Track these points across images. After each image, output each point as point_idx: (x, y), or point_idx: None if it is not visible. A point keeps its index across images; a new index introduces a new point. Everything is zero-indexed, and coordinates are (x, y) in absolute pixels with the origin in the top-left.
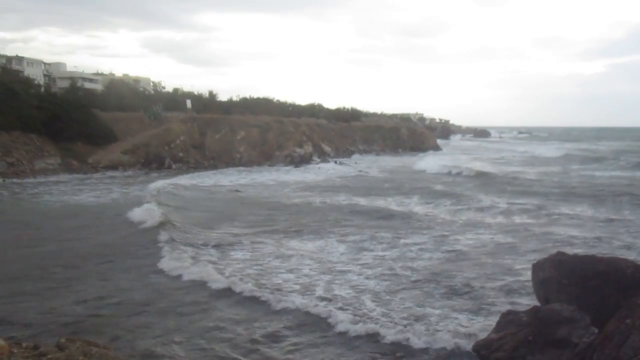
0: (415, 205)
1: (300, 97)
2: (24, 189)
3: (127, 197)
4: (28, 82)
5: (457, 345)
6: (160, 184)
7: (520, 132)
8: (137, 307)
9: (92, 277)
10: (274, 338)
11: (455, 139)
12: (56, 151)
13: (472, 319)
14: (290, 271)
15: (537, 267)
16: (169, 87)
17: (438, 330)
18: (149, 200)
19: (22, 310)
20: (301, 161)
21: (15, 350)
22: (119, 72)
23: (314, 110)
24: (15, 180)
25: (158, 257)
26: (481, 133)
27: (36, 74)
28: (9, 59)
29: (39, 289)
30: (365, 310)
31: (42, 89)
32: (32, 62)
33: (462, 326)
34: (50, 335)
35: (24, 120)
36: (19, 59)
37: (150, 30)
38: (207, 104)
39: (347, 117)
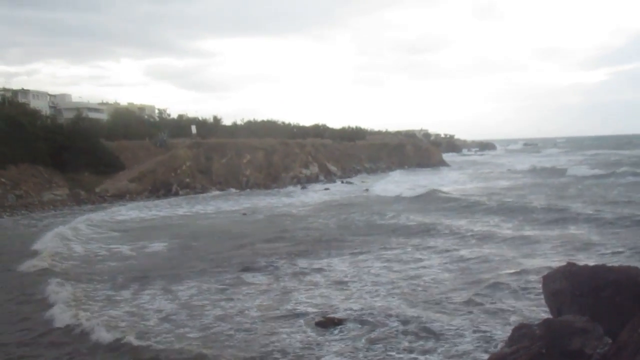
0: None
1: (305, 118)
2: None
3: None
4: (34, 114)
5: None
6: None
7: (526, 144)
8: None
9: None
10: None
11: (457, 155)
12: (64, 182)
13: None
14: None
15: (548, 279)
16: (173, 113)
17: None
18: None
19: None
20: (308, 182)
21: None
22: (123, 101)
23: (319, 131)
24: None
25: None
26: (487, 146)
27: (42, 106)
28: (15, 92)
29: None
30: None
31: (49, 121)
32: (38, 95)
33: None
34: None
35: (32, 152)
36: (25, 92)
37: (152, 58)
38: (212, 129)
39: (352, 136)
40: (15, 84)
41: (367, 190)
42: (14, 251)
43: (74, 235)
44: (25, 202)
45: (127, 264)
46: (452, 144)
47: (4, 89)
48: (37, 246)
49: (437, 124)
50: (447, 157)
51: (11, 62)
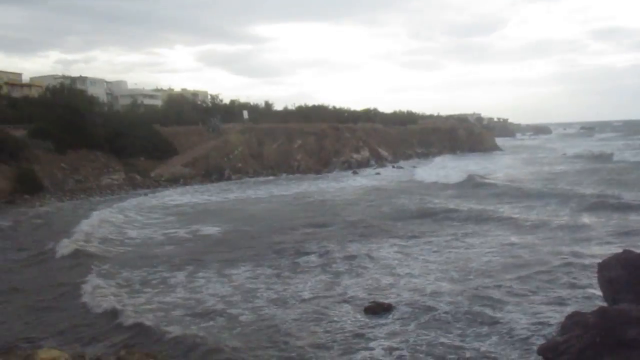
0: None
1: (356, 102)
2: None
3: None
4: (92, 101)
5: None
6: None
7: (582, 127)
8: None
9: None
10: None
11: (513, 138)
12: (120, 167)
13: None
14: None
15: (603, 267)
16: (225, 98)
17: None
18: None
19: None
20: (358, 166)
21: None
22: (177, 87)
23: (370, 115)
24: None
25: None
26: (541, 130)
27: (99, 93)
28: (73, 79)
29: None
30: None
31: (106, 107)
32: (95, 82)
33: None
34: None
35: (89, 138)
36: (83, 79)
37: (205, 44)
38: (263, 114)
39: (403, 121)
40: (73, 72)
41: (416, 175)
42: (71, 234)
43: (127, 220)
44: (84, 187)
45: (183, 247)
46: (505, 128)
47: (63, 76)
48: (92, 230)
49: (490, 108)
50: (500, 141)
51: (70, 49)
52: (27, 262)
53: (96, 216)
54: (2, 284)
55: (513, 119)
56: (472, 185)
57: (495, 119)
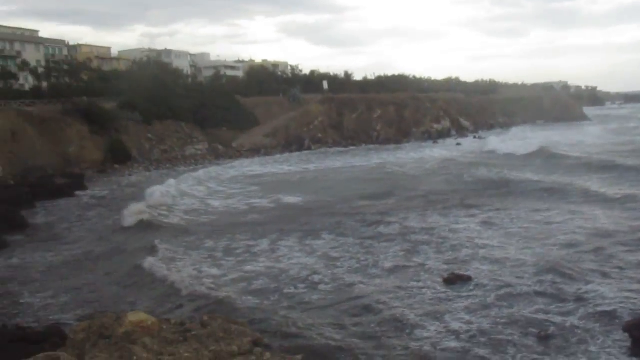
0: None
1: (437, 72)
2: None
3: None
4: (177, 73)
5: None
6: None
7: None
8: None
9: None
10: None
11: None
12: (204, 137)
13: None
14: None
15: None
16: (305, 69)
17: None
18: None
19: None
20: (439, 137)
21: (165, 327)
22: (258, 58)
23: (451, 85)
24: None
25: None
26: (633, 99)
27: (183, 65)
28: (159, 52)
29: None
30: None
31: (189, 79)
32: (180, 55)
33: None
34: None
35: (174, 109)
36: (168, 52)
37: (285, 14)
38: (343, 84)
39: (486, 90)
40: (158, 45)
41: (495, 146)
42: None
43: (210, 192)
44: (169, 157)
45: (266, 217)
46: (594, 97)
47: (149, 50)
48: (174, 202)
49: (578, 76)
50: (588, 110)
51: (154, 23)
52: (113, 230)
53: (175, 185)
54: (90, 251)
55: (602, 87)
56: (550, 157)
57: (583, 87)
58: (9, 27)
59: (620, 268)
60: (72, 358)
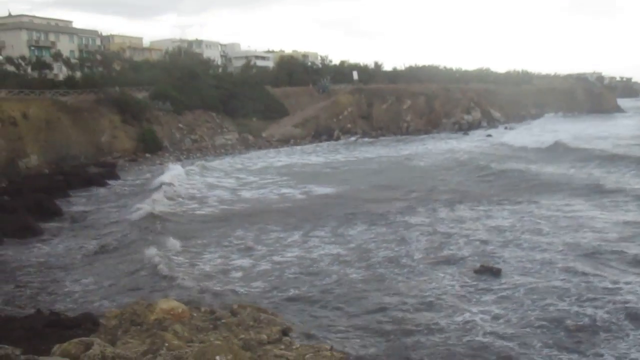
0: None
1: (468, 62)
2: None
3: None
4: (208, 63)
5: None
6: None
7: None
8: None
9: None
10: None
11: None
12: (234, 127)
13: None
14: None
15: None
16: (335, 59)
17: None
18: None
19: None
20: (469, 128)
21: (195, 314)
22: (288, 49)
23: (482, 75)
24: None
25: None
26: None
27: (214, 55)
28: (190, 43)
29: None
30: None
31: (220, 70)
32: (210, 45)
33: None
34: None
35: (205, 99)
36: (199, 42)
37: (317, 4)
38: (372, 75)
39: (518, 81)
40: (189, 35)
41: (522, 139)
42: (180, 196)
43: (241, 183)
44: (199, 146)
45: (297, 207)
46: (629, 88)
47: (180, 40)
48: (208, 192)
49: (612, 66)
50: (622, 102)
51: (185, 12)
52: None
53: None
54: (122, 239)
55: (638, 78)
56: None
57: (618, 78)
58: (44, 18)
59: None
60: (104, 343)
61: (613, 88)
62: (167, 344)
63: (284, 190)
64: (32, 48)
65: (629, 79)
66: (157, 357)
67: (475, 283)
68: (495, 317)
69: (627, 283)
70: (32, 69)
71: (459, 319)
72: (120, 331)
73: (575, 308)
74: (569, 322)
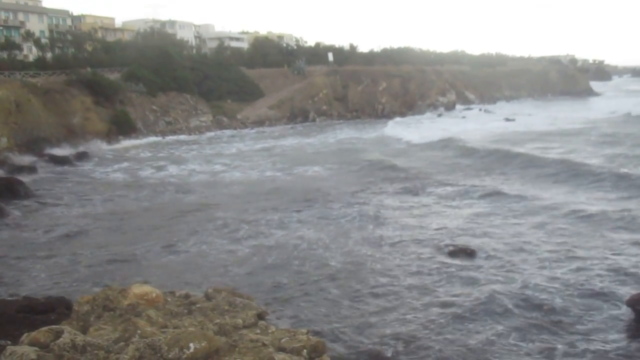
0: None
1: (442, 44)
2: None
3: None
4: (181, 44)
5: None
6: None
7: None
8: None
9: None
10: None
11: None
12: (208, 109)
13: None
14: None
15: None
16: (310, 41)
17: None
18: None
19: None
20: (445, 109)
21: (169, 299)
22: (263, 30)
23: (457, 57)
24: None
25: None
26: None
27: (188, 36)
28: (163, 23)
29: None
30: None
31: (194, 51)
32: (184, 25)
33: None
34: None
35: (179, 81)
36: (172, 23)
37: None
38: (348, 57)
39: (492, 63)
40: (162, 15)
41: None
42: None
43: (226, 167)
44: (174, 128)
45: (279, 190)
46: (600, 70)
47: (153, 20)
48: (189, 174)
49: (585, 49)
50: (595, 85)
51: None
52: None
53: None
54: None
55: (610, 60)
56: None
57: (591, 61)
58: None
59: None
60: (75, 331)
61: (585, 70)
62: (140, 331)
63: (269, 173)
64: (1, 28)
65: (601, 62)
66: (130, 344)
67: (450, 263)
68: (469, 295)
69: (592, 257)
70: (1, 50)
71: (433, 298)
72: (92, 317)
73: (548, 290)
74: (545, 303)
